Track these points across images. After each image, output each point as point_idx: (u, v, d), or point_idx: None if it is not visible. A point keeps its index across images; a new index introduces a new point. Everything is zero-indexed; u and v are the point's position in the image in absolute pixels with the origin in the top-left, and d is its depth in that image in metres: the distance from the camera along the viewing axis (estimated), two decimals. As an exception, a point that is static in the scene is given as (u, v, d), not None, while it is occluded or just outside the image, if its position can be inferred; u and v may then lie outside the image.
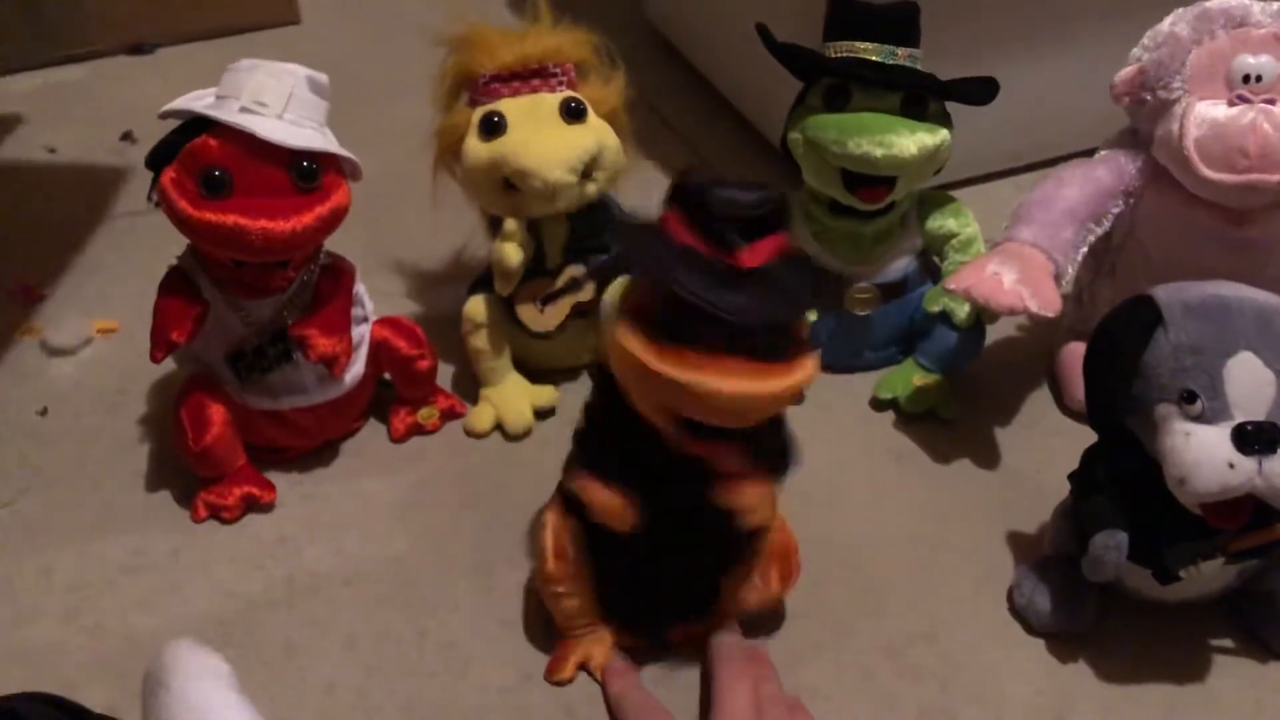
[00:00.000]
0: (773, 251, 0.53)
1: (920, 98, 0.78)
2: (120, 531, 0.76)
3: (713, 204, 0.52)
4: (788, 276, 0.54)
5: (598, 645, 0.66)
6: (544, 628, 0.68)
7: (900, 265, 0.85)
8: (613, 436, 0.60)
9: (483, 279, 0.84)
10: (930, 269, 0.87)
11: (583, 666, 0.67)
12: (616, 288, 0.68)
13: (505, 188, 0.77)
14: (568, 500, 0.64)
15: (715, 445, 0.56)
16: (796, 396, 0.55)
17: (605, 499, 0.59)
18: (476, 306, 0.82)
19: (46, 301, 0.96)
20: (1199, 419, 0.58)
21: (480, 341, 0.82)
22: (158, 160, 0.69)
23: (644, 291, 0.55)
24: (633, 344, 0.53)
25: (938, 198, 0.86)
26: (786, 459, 0.61)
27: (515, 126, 0.75)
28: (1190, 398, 0.59)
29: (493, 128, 0.76)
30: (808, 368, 0.54)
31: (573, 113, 0.77)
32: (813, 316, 0.83)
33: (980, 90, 0.79)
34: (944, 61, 0.80)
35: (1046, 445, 0.81)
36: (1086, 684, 0.66)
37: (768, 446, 0.60)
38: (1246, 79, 0.72)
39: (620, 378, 0.56)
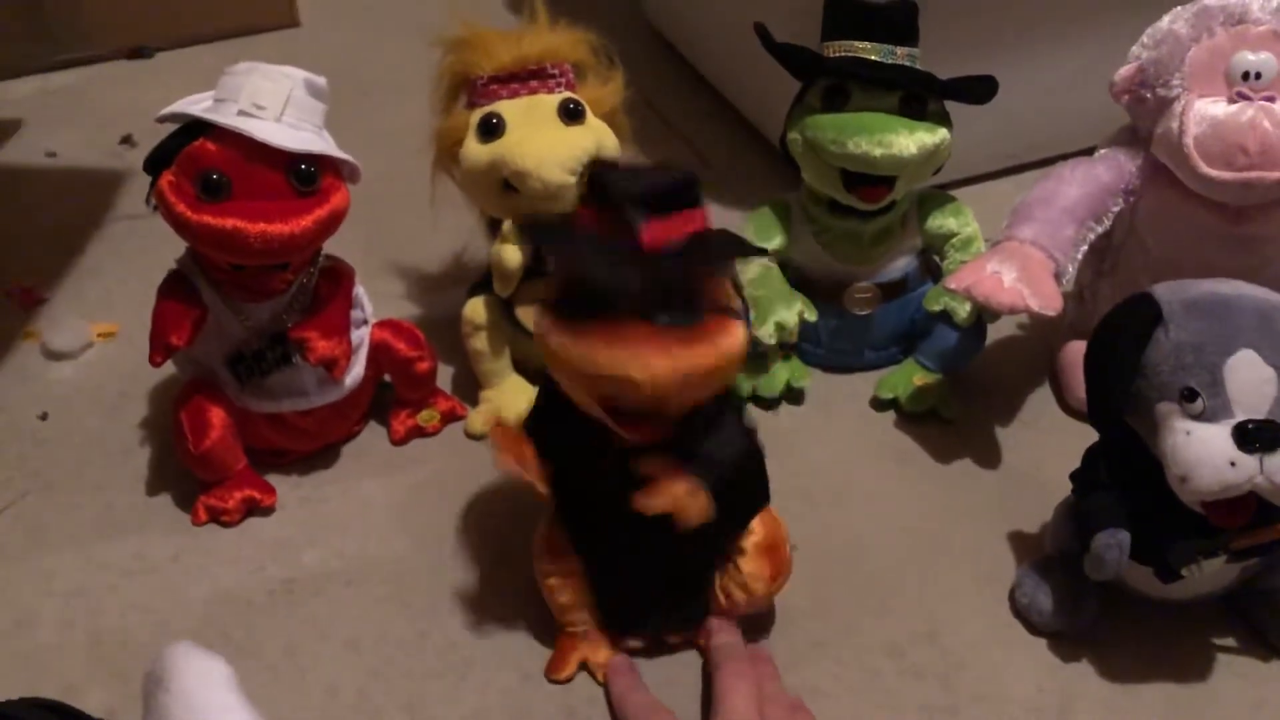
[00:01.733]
0: (682, 227, 0.53)
1: (919, 97, 0.78)
2: (121, 535, 0.76)
3: (609, 185, 0.53)
4: (696, 247, 0.54)
5: (599, 645, 0.67)
6: (545, 629, 0.68)
7: (900, 265, 0.85)
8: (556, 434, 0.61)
9: (482, 281, 0.84)
10: (930, 268, 0.87)
11: (583, 666, 0.67)
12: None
13: (504, 189, 0.77)
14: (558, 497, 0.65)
15: (635, 426, 0.55)
16: (717, 372, 0.54)
17: (520, 454, 0.59)
18: (476, 308, 0.82)
19: (46, 305, 0.96)
20: (1200, 417, 0.58)
21: (480, 343, 0.82)
22: (156, 164, 0.69)
23: (555, 283, 0.56)
24: (545, 327, 0.54)
25: (937, 197, 0.86)
26: (719, 460, 0.59)
27: (514, 128, 0.75)
28: (1191, 396, 0.58)
29: (491, 129, 0.76)
30: (728, 340, 0.53)
31: (571, 114, 0.76)
32: (811, 317, 0.82)
33: (979, 89, 0.79)
34: (943, 60, 0.80)
35: (1048, 444, 0.80)
36: (1088, 682, 0.66)
37: (702, 443, 0.59)
38: (1246, 76, 0.72)
39: (554, 374, 0.57)
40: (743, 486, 0.62)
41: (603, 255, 0.52)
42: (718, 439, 0.60)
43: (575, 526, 0.64)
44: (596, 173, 0.55)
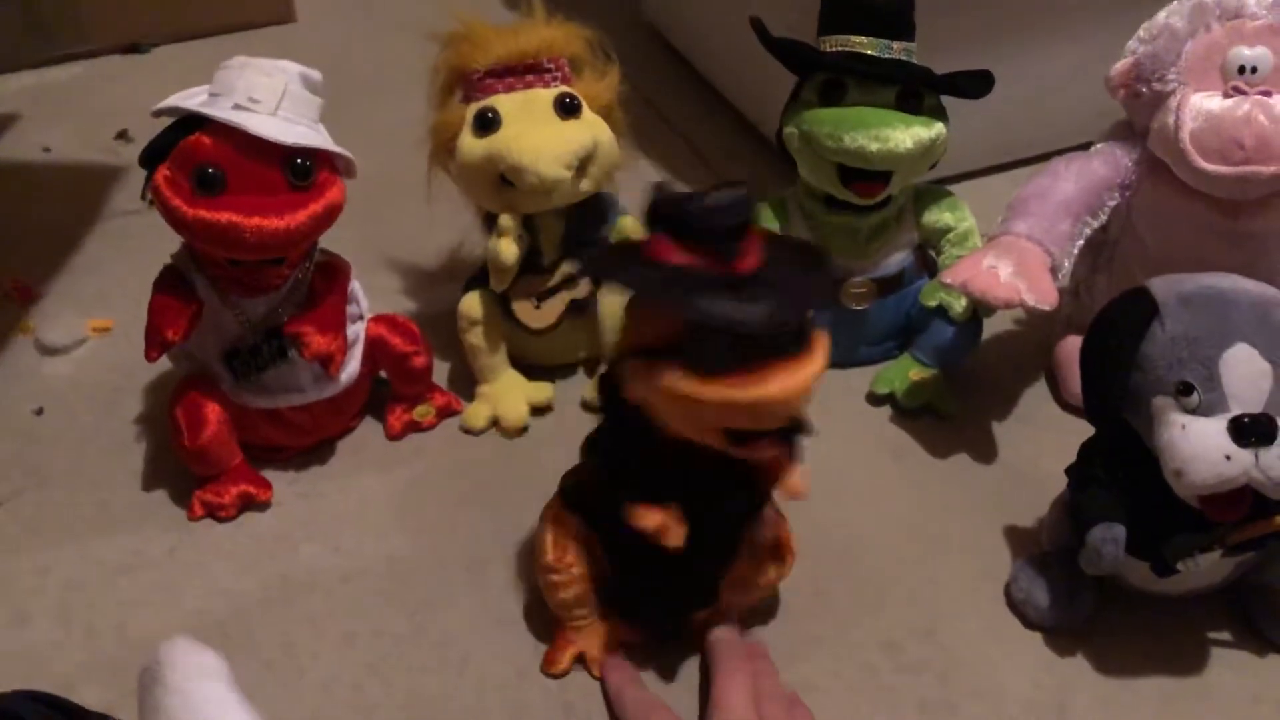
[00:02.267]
0: (758, 247, 0.53)
1: (916, 92, 0.78)
2: (117, 531, 0.75)
3: (699, 218, 0.51)
4: (783, 265, 0.54)
5: (595, 639, 0.66)
6: (541, 624, 0.68)
7: (897, 260, 0.85)
8: (645, 459, 0.59)
9: (478, 275, 0.84)
10: (927, 263, 0.87)
11: (579, 660, 0.66)
12: (615, 319, 0.70)
13: (500, 184, 0.76)
14: (566, 494, 0.65)
15: (762, 445, 0.56)
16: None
17: (660, 521, 0.58)
18: (472, 303, 0.82)
19: (41, 300, 0.96)
20: (1195, 411, 0.58)
21: (476, 338, 0.82)
22: (151, 158, 0.69)
23: (656, 323, 0.54)
24: (677, 382, 0.52)
25: (934, 192, 0.86)
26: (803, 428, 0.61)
27: (509, 122, 0.75)
28: (1187, 390, 0.59)
29: (487, 124, 0.76)
30: (824, 341, 0.54)
31: (567, 108, 0.76)
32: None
33: (976, 84, 0.79)
34: (939, 55, 0.80)
35: (1044, 439, 0.80)
36: (1085, 677, 0.66)
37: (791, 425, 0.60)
38: (1242, 70, 0.72)
39: (661, 413, 0.55)
40: None
41: (714, 294, 0.51)
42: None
43: (622, 539, 0.61)
44: (663, 201, 0.53)
